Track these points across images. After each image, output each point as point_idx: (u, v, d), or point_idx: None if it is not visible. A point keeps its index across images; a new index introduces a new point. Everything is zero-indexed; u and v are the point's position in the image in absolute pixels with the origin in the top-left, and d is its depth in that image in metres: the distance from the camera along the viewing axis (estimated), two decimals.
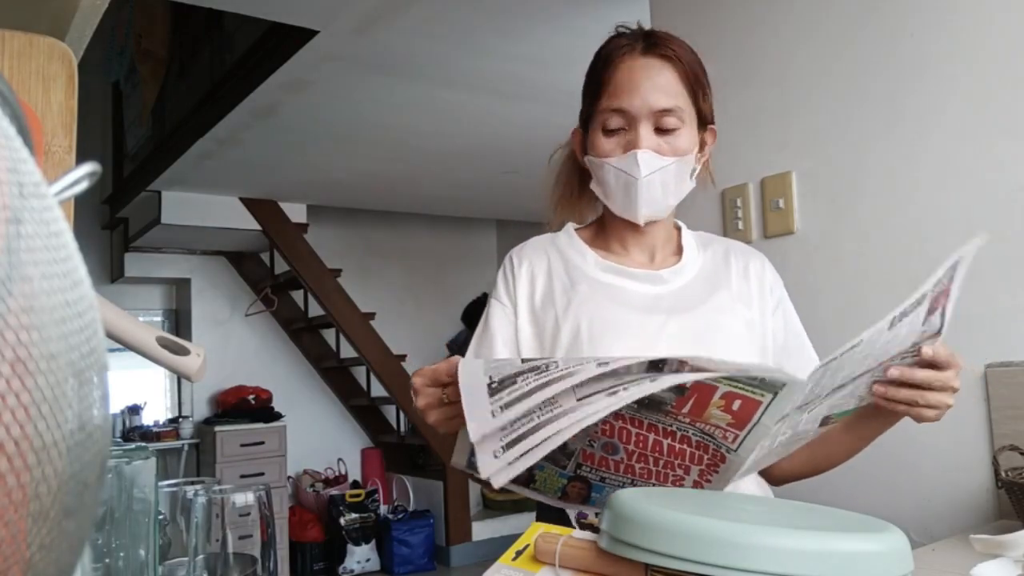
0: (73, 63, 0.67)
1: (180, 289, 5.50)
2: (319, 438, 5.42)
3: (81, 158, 0.44)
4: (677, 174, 1.03)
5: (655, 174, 1.01)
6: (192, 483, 0.75)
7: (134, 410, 5.20)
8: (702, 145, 1.08)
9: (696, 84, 1.04)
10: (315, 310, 5.19)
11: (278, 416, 5.01)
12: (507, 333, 1.09)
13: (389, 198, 5.32)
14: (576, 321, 1.03)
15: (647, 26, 1.09)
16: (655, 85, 1.01)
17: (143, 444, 4.18)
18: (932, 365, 0.83)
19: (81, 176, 0.34)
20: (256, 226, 4.92)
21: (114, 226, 5.24)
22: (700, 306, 1.05)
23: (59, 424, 0.27)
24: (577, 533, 0.67)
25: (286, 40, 2.88)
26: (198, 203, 4.69)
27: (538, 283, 1.09)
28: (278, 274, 5.22)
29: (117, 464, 0.59)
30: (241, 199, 4.89)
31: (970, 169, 1.33)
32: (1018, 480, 1.14)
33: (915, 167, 1.40)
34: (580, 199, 1.17)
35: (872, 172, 1.47)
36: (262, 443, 4.85)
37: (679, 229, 1.15)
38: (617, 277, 1.07)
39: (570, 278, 1.08)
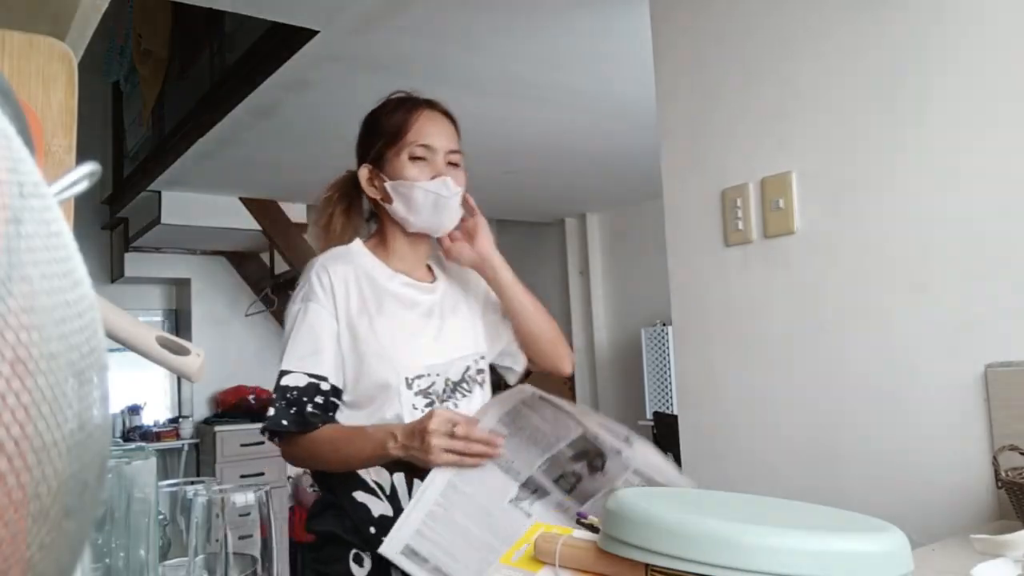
0: (73, 63, 0.67)
1: (180, 289, 5.50)
2: None
3: (81, 158, 0.44)
4: (460, 204, 1.35)
5: (454, 197, 1.32)
6: (192, 483, 0.75)
7: (134, 410, 5.20)
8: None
9: (459, 136, 1.38)
10: None
11: None
12: (332, 334, 1.26)
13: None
14: (388, 326, 1.27)
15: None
16: (446, 132, 1.35)
17: (143, 444, 4.18)
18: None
19: (81, 176, 0.34)
20: (256, 226, 4.91)
21: (114, 226, 5.23)
22: (454, 312, 1.37)
23: (59, 424, 0.27)
24: (577, 533, 0.67)
25: (286, 40, 2.88)
26: (198, 203, 4.69)
27: (352, 291, 1.29)
28: (278, 274, 5.22)
29: (117, 464, 0.59)
30: (241, 199, 4.89)
31: (970, 168, 1.33)
32: (1018, 480, 1.14)
33: (915, 167, 1.40)
34: (345, 229, 1.42)
35: (872, 172, 1.46)
36: (262, 443, 4.81)
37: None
38: (407, 288, 1.34)
39: (373, 288, 1.31)
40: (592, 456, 1.11)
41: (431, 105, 1.37)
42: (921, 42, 1.40)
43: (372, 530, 1.21)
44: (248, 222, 4.89)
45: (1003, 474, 1.17)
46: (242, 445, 4.78)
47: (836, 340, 1.50)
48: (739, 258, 1.68)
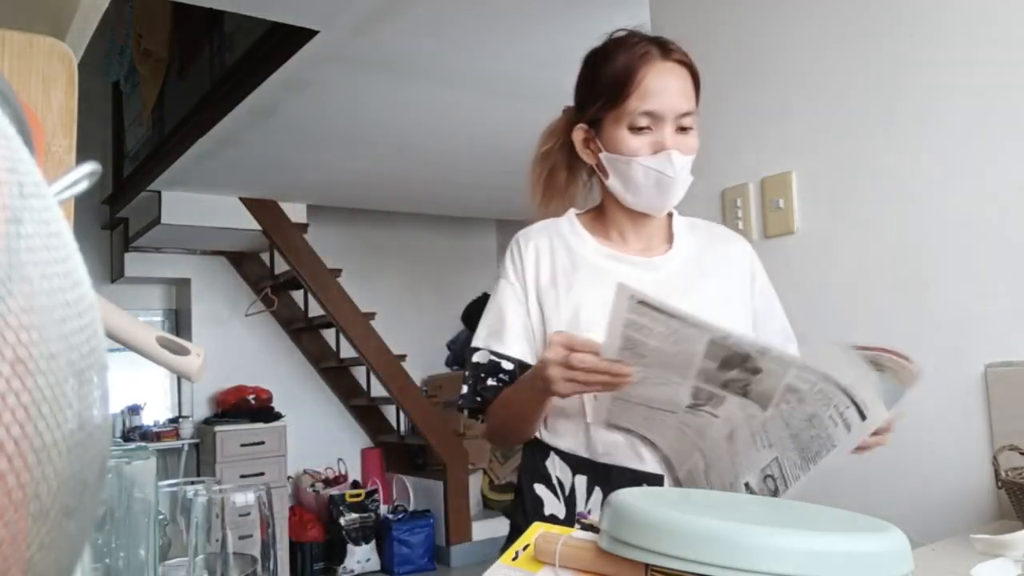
0: (73, 63, 0.67)
1: (180, 289, 5.50)
2: (319, 438, 5.42)
3: (81, 158, 0.44)
4: (689, 170, 1.13)
5: (682, 172, 1.11)
6: (192, 483, 0.75)
7: (134, 410, 5.20)
8: None
9: (698, 89, 1.14)
10: (315, 310, 5.19)
11: (278, 416, 5.01)
12: (518, 310, 1.16)
13: (389, 198, 5.32)
14: (575, 302, 1.12)
15: (647, 28, 1.12)
16: (679, 89, 1.10)
17: (143, 444, 4.19)
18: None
19: (81, 176, 0.34)
20: (256, 226, 4.91)
21: (114, 226, 5.24)
22: (690, 292, 1.13)
23: (59, 424, 0.27)
24: (577, 533, 0.67)
25: (286, 40, 2.88)
26: (198, 203, 4.69)
27: (543, 265, 1.16)
28: (278, 274, 5.22)
29: (117, 464, 0.59)
30: (241, 199, 4.89)
31: (970, 168, 1.33)
32: (1018, 480, 1.14)
33: (915, 167, 1.40)
34: (566, 191, 1.24)
35: (872, 172, 1.46)
36: (262, 443, 4.84)
37: (670, 215, 1.23)
38: (614, 263, 1.15)
39: (571, 262, 1.16)
40: (739, 361, 0.91)
41: (664, 52, 1.12)
42: (921, 42, 1.40)
43: None
44: (248, 222, 4.89)
45: (1003, 474, 1.17)
46: (242, 445, 4.78)
47: (836, 340, 1.50)
48: None
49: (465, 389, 1.17)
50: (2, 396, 0.25)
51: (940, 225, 1.37)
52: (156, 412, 5.38)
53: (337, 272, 5.15)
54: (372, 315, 5.10)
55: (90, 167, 0.34)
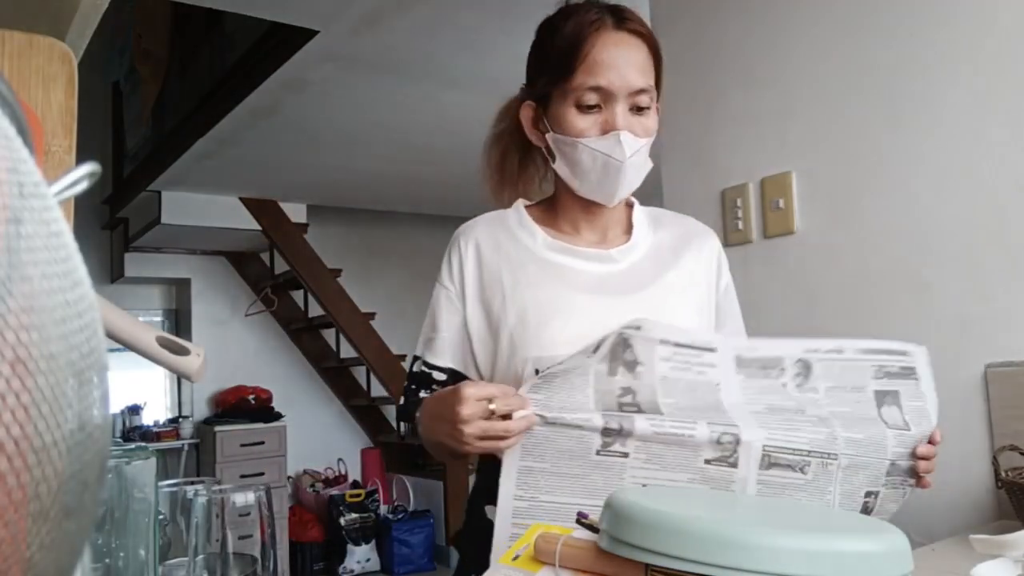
0: (73, 63, 0.67)
1: (180, 289, 5.50)
2: (319, 438, 5.42)
3: (81, 158, 0.44)
4: (646, 155, 1.02)
5: (635, 156, 0.99)
6: (192, 483, 0.75)
7: (134, 410, 5.20)
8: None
9: (659, 61, 1.02)
10: (315, 310, 5.19)
11: (278, 416, 5.01)
12: (451, 318, 1.06)
13: (389, 198, 5.32)
14: (522, 303, 1.01)
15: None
16: (634, 63, 0.98)
17: (143, 444, 4.19)
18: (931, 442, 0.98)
19: (81, 176, 0.34)
20: (256, 226, 4.91)
21: (114, 226, 5.24)
22: (649, 286, 1.04)
23: (59, 424, 0.27)
24: (577, 533, 0.67)
25: (286, 40, 2.88)
26: (198, 203, 4.69)
27: (485, 262, 1.06)
28: (278, 274, 5.22)
29: (117, 464, 0.59)
30: (241, 199, 4.89)
31: (970, 169, 1.33)
32: (1018, 480, 1.14)
33: (915, 167, 1.40)
34: (520, 177, 1.13)
35: (872, 172, 1.46)
36: (262, 443, 4.85)
37: (631, 206, 1.12)
38: (566, 257, 1.05)
39: (518, 257, 1.05)
40: (619, 351, 0.90)
41: (618, 20, 0.99)
42: (921, 42, 1.40)
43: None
44: (248, 222, 4.90)
45: (1003, 474, 1.17)
46: (242, 445, 4.78)
47: None
48: (739, 258, 1.68)
49: (402, 400, 1.10)
50: (2, 396, 0.25)
51: (940, 225, 1.37)
52: (156, 412, 5.39)
53: (337, 272, 5.15)
54: (372, 315, 5.09)
55: (90, 167, 0.34)
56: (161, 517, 0.70)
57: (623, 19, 0.99)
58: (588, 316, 0.98)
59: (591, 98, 0.97)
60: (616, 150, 0.97)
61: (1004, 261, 1.28)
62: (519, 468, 0.89)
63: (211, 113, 3.57)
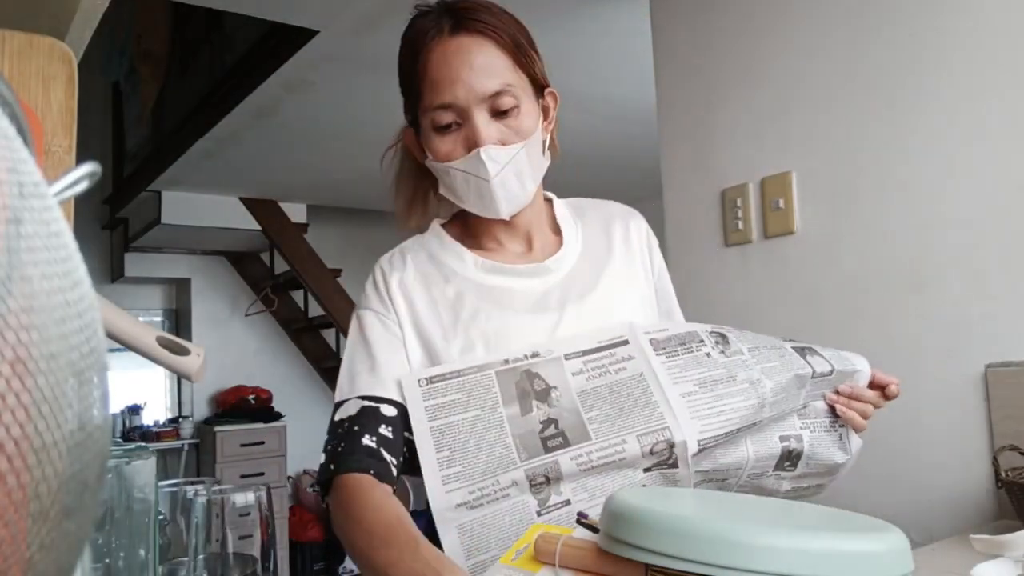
0: (73, 63, 0.67)
1: (180, 289, 5.50)
2: (319, 438, 5.33)
3: (81, 158, 0.44)
4: (529, 158, 0.93)
5: (506, 169, 0.90)
6: (192, 483, 0.75)
7: (134, 410, 5.20)
8: (546, 113, 0.97)
9: (520, 52, 0.93)
10: (315, 310, 5.19)
11: (278, 416, 5.01)
12: (393, 344, 0.94)
13: (389, 198, 5.31)
14: (467, 336, 0.92)
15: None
16: (476, 68, 0.88)
17: (143, 444, 4.18)
18: (876, 387, 0.98)
19: (81, 176, 0.34)
20: (256, 226, 4.92)
21: (114, 226, 5.24)
22: (591, 291, 0.97)
23: (59, 424, 0.27)
24: (577, 533, 0.67)
25: (286, 40, 2.88)
26: (198, 203, 4.69)
27: (416, 294, 0.96)
28: (278, 274, 5.22)
29: (117, 464, 0.59)
30: (241, 199, 4.89)
31: (970, 168, 1.33)
32: (1018, 480, 1.14)
33: (915, 167, 1.40)
34: (426, 198, 1.05)
35: (872, 172, 1.46)
36: (262, 443, 4.85)
37: (550, 201, 1.05)
38: (501, 277, 0.97)
39: (452, 286, 0.96)
40: (527, 385, 0.87)
41: (455, 24, 0.90)
42: (920, 43, 1.40)
43: None
44: (248, 222, 4.90)
45: (1003, 474, 1.17)
46: (242, 445, 4.78)
47: (836, 340, 1.49)
48: (739, 258, 1.68)
49: (323, 459, 0.91)
50: (2, 396, 0.25)
51: (940, 225, 1.37)
52: (156, 412, 5.39)
53: (337, 272, 5.15)
54: None
55: (90, 167, 0.34)
56: (161, 517, 0.70)
57: (460, 20, 0.90)
58: (534, 337, 0.92)
59: (445, 117, 0.90)
60: (480, 169, 0.90)
61: (1004, 261, 1.29)
62: (469, 568, 0.80)
63: (211, 113, 3.57)
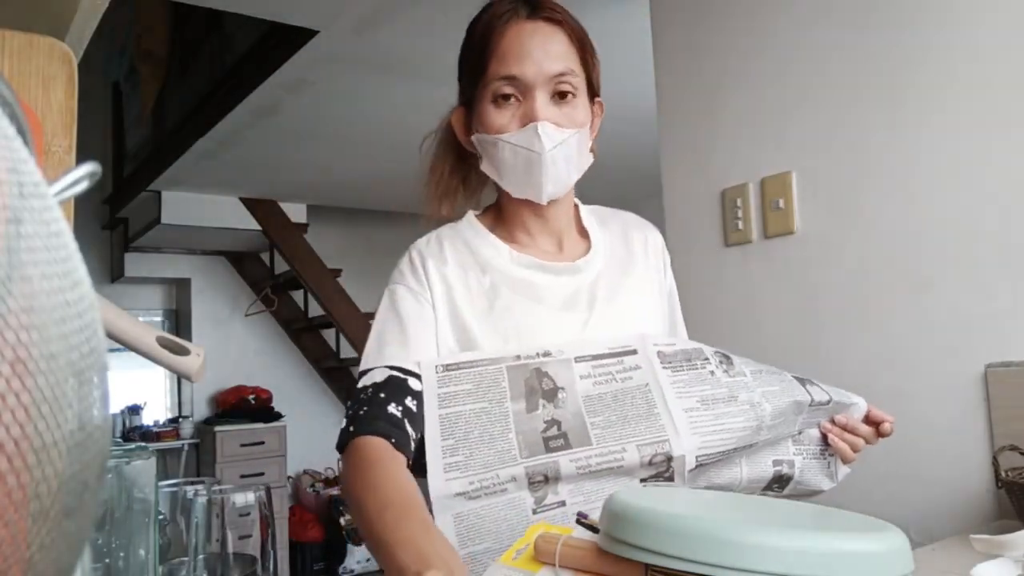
0: (73, 63, 0.67)
1: (180, 289, 5.50)
2: (319, 438, 5.41)
3: (81, 158, 0.44)
4: (579, 147, 0.96)
5: (558, 148, 0.93)
6: (192, 483, 0.75)
7: (134, 410, 5.20)
8: (592, 119, 1.01)
9: (585, 50, 0.98)
10: (315, 310, 5.19)
11: (278, 416, 5.01)
12: (424, 316, 0.95)
13: (389, 198, 5.31)
14: (502, 327, 0.94)
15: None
16: (547, 49, 0.93)
17: (143, 444, 4.18)
18: (871, 422, 1.00)
19: (81, 176, 0.34)
20: (256, 226, 4.92)
21: (114, 226, 5.24)
22: (616, 296, 1.00)
23: (59, 424, 0.27)
24: (577, 533, 0.67)
25: (286, 40, 2.88)
26: (198, 203, 4.69)
27: (454, 280, 0.97)
28: (278, 274, 5.22)
29: (117, 464, 0.59)
30: (241, 199, 4.89)
31: (970, 168, 1.33)
32: (1018, 480, 1.14)
33: (915, 166, 1.40)
34: (460, 187, 1.07)
35: (872, 172, 1.46)
36: (262, 443, 4.85)
37: (576, 207, 1.08)
38: (536, 273, 0.99)
39: (488, 276, 0.98)
40: (536, 383, 0.87)
41: (532, 10, 0.95)
42: (921, 42, 1.40)
43: None
44: (248, 222, 4.90)
45: (1003, 474, 1.17)
46: (242, 445, 4.78)
47: (836, 340, 1.50)
48: (739, 258, 1.68)
49: (343, 423, 0.89)
50: (2, 396, 0.25)
51: (940, 225, 1.37)
52: (156, 412, 5.39)
53: (337, 272, 5.15)
54: (372, 315, 5.08)
55: (90, 167, 0.34)
56: (161, 517, 0.70)
57: (536, 7, 0.95)
58: (564, 334, 0.95)
59: (506, 89, 0.93)
60: (535, 142, 0.92)
61: (1004, 261, 1.29)
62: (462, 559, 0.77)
63: (211, 113, 3.57)
